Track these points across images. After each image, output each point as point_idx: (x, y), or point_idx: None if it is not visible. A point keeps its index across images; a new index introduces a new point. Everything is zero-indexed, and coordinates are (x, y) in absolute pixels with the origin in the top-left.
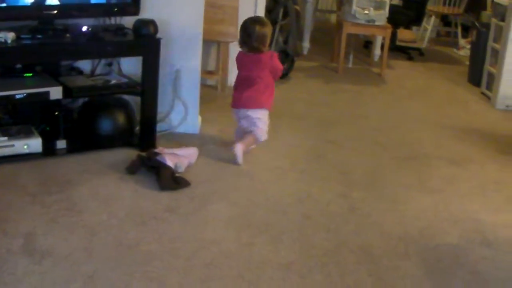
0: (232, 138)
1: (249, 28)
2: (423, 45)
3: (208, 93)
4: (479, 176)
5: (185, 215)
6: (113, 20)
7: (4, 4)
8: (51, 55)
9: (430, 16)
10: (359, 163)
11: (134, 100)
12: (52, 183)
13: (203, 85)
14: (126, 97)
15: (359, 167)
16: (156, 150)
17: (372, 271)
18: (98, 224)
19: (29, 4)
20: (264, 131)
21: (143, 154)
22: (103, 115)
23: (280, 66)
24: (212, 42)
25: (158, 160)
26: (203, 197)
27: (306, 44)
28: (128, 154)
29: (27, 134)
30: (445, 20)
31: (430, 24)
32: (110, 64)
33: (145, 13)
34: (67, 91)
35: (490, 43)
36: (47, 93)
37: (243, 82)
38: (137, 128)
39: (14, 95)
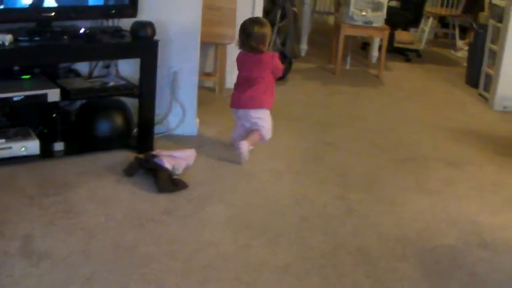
0: (230, 139)
1: (248, 29)
2: (421, 46)
3: (206, 95)
4: (476, 178)
5: (183, 217)
6: (110, 22)
7: (2, 6)
8: (49, 57)
9: (428, 17)
10: (356, 165)
11: (131, 102)
12: (49, 185)
13: (201, 87)
14: (124, 99)
15: (356, 169)
16: (154, 152)
17: (369, 273)
18: (96, 226)
19: (27, 6)
20: (269, 129)
21: (141, 156)
22: (101, 117)
23: (281, 66)
24: (210, 44)
25: (156, 162)
26: (201, 199)
27: (303, 46)
28: (125, 156)
29: (25, 136)
30: (442, 21)
31: (427, 26)
32: (107, 66)
33: (143, 15)
34: (64, 93)
35: (488, 45)
36: (45, 95)
37: (243, 82)
38: (135, 130)
39: (11, 97)
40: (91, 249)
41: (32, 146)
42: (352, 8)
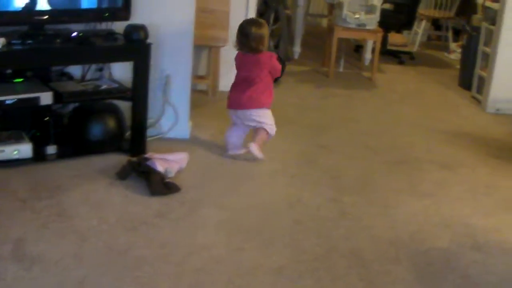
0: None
1: (245, 29)
2: (414, 49)
3: (199, 98)
4: (470, 180)
5: (176, 220)
6: (103, 25)
7: None
8: (42, 60)
9: (421, 20)
10: (350, 168)
11: (124, 105)
12: (42, 188)
13: (194, 90)
14: (117, 102)
15: (350, 172)
16: (147, 155)
17: (363, 276)
18: (89, 230)
19: (19, 10)
20: (272, 125)
21: (134, 159)
22: (94, 120)
23: (279, 67)
24: (203, 47)
25: (148, 165)
26: (194, 202)
27: (297, 49)
28: (118, 160)
29: (17, 140)
30: (436, 24)
31: (421, 28)
32: (100, 69)
33: (136, 18)
34: (57, 97)
35: (481, 47)
36: (38, 98)
37: (241, 82)
38: (128, 133)
39: (4, 100)
40: (83, 253)
41: (24, 149)
42: (345, 11)
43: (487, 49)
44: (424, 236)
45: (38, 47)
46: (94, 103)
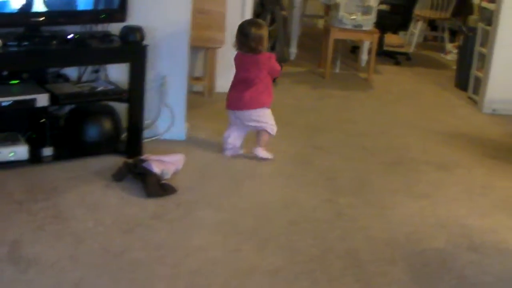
0: (220, 143)
1: (245, 29)
2: (411, 49)
3: (195, 99)
4: (466, 181)
5: (172, 222)
6: (100, 27)
7: None
8: (38, 62)
9: (418, 20)
10: (346, 169)
11: (121, 107)
12: (38, 190)
13: (190, 92)
14: (113, 103)
15: (346, 173)
16: (143, 157)
17: (359, 277)
18: (85, 232)
19: (16, 11)
20: (273, 124)
21: (130, 161)
22: (90, 122)
23: (278, 67)
24: (199, 48)
25: (144, 167)
26: (190, 204)
27: (293, 50)
28: (114, 161)
29: (14, 142)
30: (432, 24)
31: (417, 29)
32: (97, 71)
33: (132, 20)
34: (53, 98)
35: (477, 48)
36: (34, 100)
37: (241, 83)
38: (124, 135)
39: (0, 102)
40: (79, 255)
41: (20, 151)
42: (341, 12)
43: (484, 50)
44: (420, 236)
45: (34, 48)
46: (90, 104)
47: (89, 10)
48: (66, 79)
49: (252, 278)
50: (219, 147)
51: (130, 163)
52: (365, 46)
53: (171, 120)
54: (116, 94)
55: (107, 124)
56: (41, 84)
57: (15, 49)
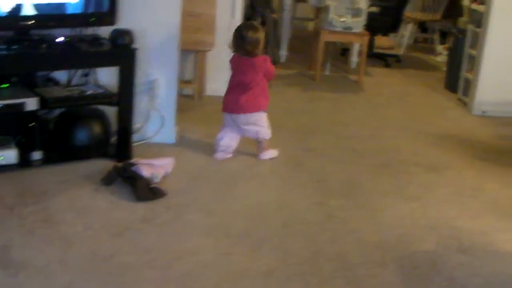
0: (210, 146)
1: (242, 32)
2: (401, 52)
3: (185, 103)
4: (456, 183)
5: (161, 225)
6: (89, 30)
7: None
8: (27, 65)
9: (408, 23)
10: (336, 171)
11: (110, 111)
12: (28, 194)
13: (180, 95)
14: (103, 107)
15: (336, 175)
16: (132, 161)
17: (349, 279)
18: (74, 236)
19: (5, 15)
20: (267, 128)
21: (119, 164)
22: (79, 126)
23: (272, 70)
24: (189, 51)
25: (134, 171)
26: (180, 207)
27: (283, 52)
28: (104, 165)
29: (3, 146)
30: (422, 26)
31: (407, 31)
32: (86, 75)
33: (122, 23)
34: (43, 102)
35: (467, 50)
36: (23, 104)
37: (237, 86)
38: (114, 138)
39: None
40: (69, 258)
41: (10, 155)
42: (331, 14)
43: (473, 52)
44: (410, 239)
45: (24, 52)
46: (80, 108)
47: (79, 13)
48: (55, 82)
49: (243, 281)
50: (209, 150)
51: (120, 167)
52: (355, 48)
53: (161, 123)
54: (105, 97)
55: (96, 128)
56: (30, 88)
57: (4, 52)
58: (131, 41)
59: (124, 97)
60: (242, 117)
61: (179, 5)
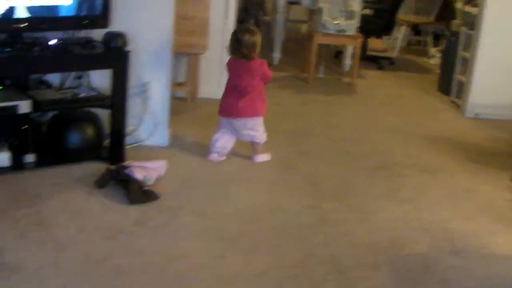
0: (204, 148)
1: (239, 35)
2: (394, 54)
3: (178, 105)
4: (449, 185)
5: (154, 228)
6: (82, 33)
7: None
8: (20, 68)
9: (401, 25)
10: (329, 174)
11: (103, 113)
12: (21, 197)
13: (173, 97)
14: (95, 110)
15: (329, 178)
16: (125, 163)
17: (342, 282)
18: (67, 239)
19: None
20: (263, 132)
21: (112, 167)
22: (72, 128)
23: (270, 73)
24: (182, 54)
25: (127, 174)
26: (173, 210)
27: (276, 54)
28: (97, 168)
29: None
30: (416, 29)
31: (400, 33)
32: (79, 77)
33: (115, 26)
34: (35, 105)
35: (460, 52)
36: (16, 106)
37: (234, 89)
38: (106, 141)
39: None
40: (61, 261)
41: (2, 158)
42: (324, 17)
43: (466, 54)
44: (403, 241)
45: (17, 55)
46: (73, 111)
47: (72, 16)
48: (48, 85)
49: (236, 284)
50: (203, 153)
51: (113, 170)
52: (349, 50)
53: (154, 126)
54: (98, 100)
55: (89, 131)
56: (23, 91)
57: None
58: (124, 43)
59: (117, 99)
60: (239, 121)
61: (172, 8)
